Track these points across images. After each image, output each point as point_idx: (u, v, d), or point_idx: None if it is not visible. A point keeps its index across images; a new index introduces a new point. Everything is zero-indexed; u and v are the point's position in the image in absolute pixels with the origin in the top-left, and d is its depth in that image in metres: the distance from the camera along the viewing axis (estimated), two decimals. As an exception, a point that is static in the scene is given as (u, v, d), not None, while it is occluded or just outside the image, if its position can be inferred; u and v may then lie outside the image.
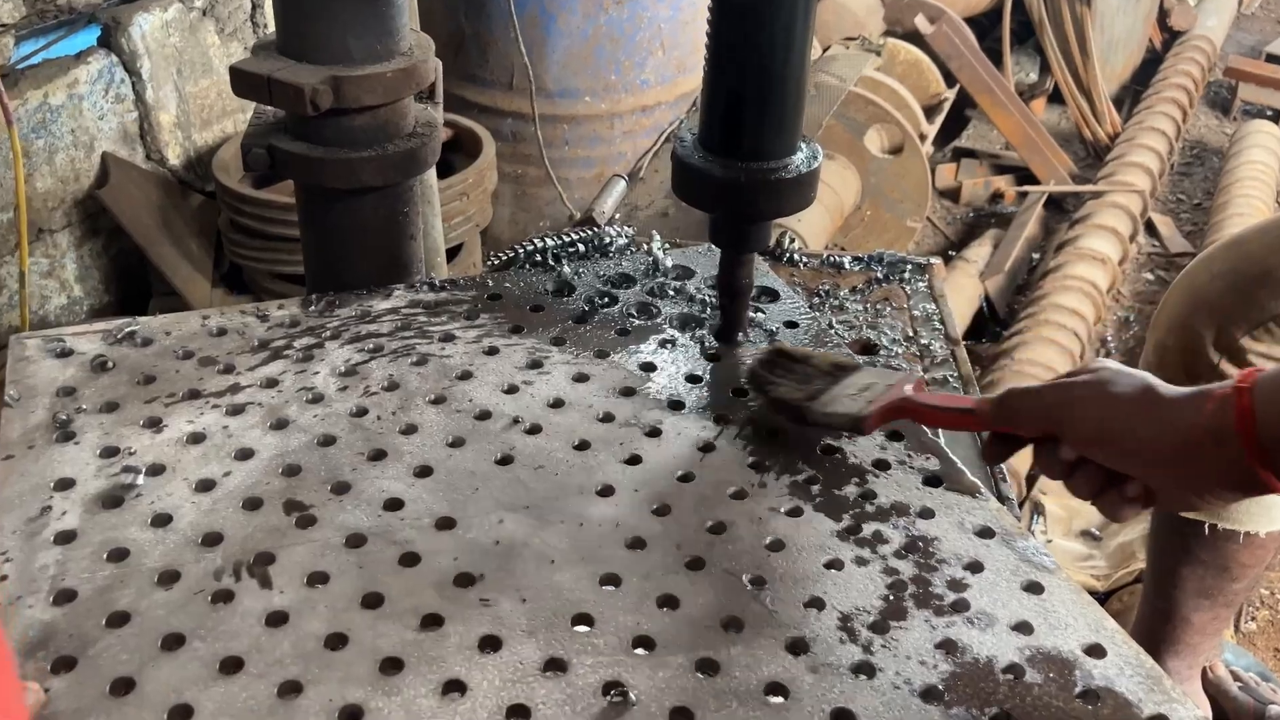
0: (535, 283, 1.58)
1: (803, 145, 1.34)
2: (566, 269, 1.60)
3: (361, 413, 1.31)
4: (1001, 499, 1.29)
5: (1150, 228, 4.54)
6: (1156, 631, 1.89)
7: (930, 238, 4.53)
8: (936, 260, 1.73)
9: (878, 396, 1.20)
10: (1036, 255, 4.36)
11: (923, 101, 4.39)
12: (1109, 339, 3.90)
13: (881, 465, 1.26)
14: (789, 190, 1.31)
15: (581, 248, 1.68)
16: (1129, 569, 2.59)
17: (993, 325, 3.92)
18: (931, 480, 1.24)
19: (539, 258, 1.65)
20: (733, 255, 1.41)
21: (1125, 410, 1.03)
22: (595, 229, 1.71)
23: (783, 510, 1.19)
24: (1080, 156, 5.11)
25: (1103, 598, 2.59)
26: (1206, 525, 1.74)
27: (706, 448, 1.28)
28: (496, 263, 1.65)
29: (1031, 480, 2.96)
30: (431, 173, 3.13)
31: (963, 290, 3.78)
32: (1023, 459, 2.94)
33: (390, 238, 1.54)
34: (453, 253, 3.59)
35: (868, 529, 1.17)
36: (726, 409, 1.34)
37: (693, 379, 1.40)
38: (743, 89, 1.26)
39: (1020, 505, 2.85)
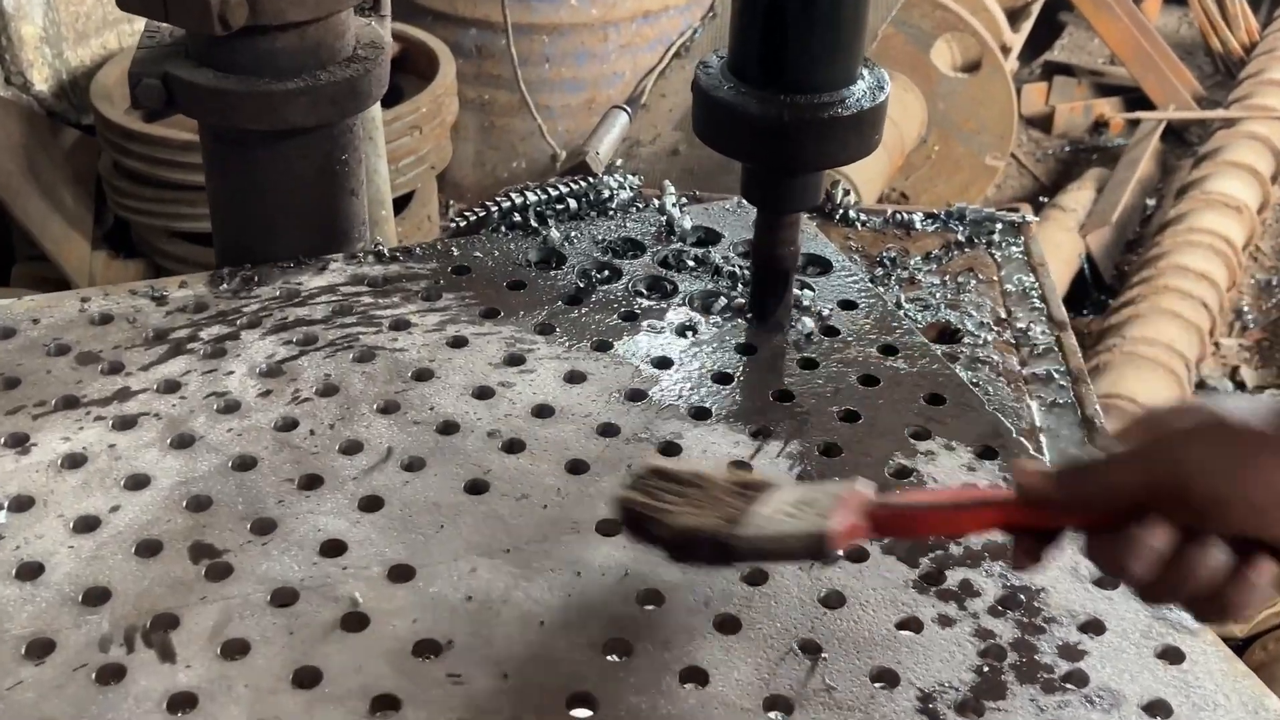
0: (513, 251, 1.55)
1: (864, 72, 1.31)
2: (554, 232, 1.57)
3: (289, 425, 1.28)
4: (1126, 535, 1.26)
5: (1297, 164, 4.51)
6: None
7: (1015, 180, 4.49)
8: (1034, 217, 1.70)
9: (831, 507, 1.02)
10: (1152, 202, 4.32)
11: (1004, 4, 4.34)
12: (1245, 309, 3.88)
13: (969, 492, 1.24)
14: (847, 132, 1.28)
15: (573, 203, 1.65)
16: (1274, 608, 2.58)
17: (1096, 293, 3.89)
18: (1034, 511, 1.22)
19: (517, 217, 1.62)
20: (772, 216, 1.38)
21: (1266, 453, 0.90)
22: (590, 178, 1.67)
23: (841, 553, 1.17)
24: (1207, 73, 5.07)
25: (1240, 646, 2.58)
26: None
27: (740, 469, 1.26)
28: (462, 223, 1.62)
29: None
30: (374, 100, 3.09)
31: (1058, 248, 3.74)
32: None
33: (324, 194, 1.51)
34: (401, 203, 3.56)
35: (953, 577, 1.15)
36: (765, 418, 1.32)
37: (721, 378, 1.37)
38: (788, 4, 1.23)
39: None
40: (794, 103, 1.27)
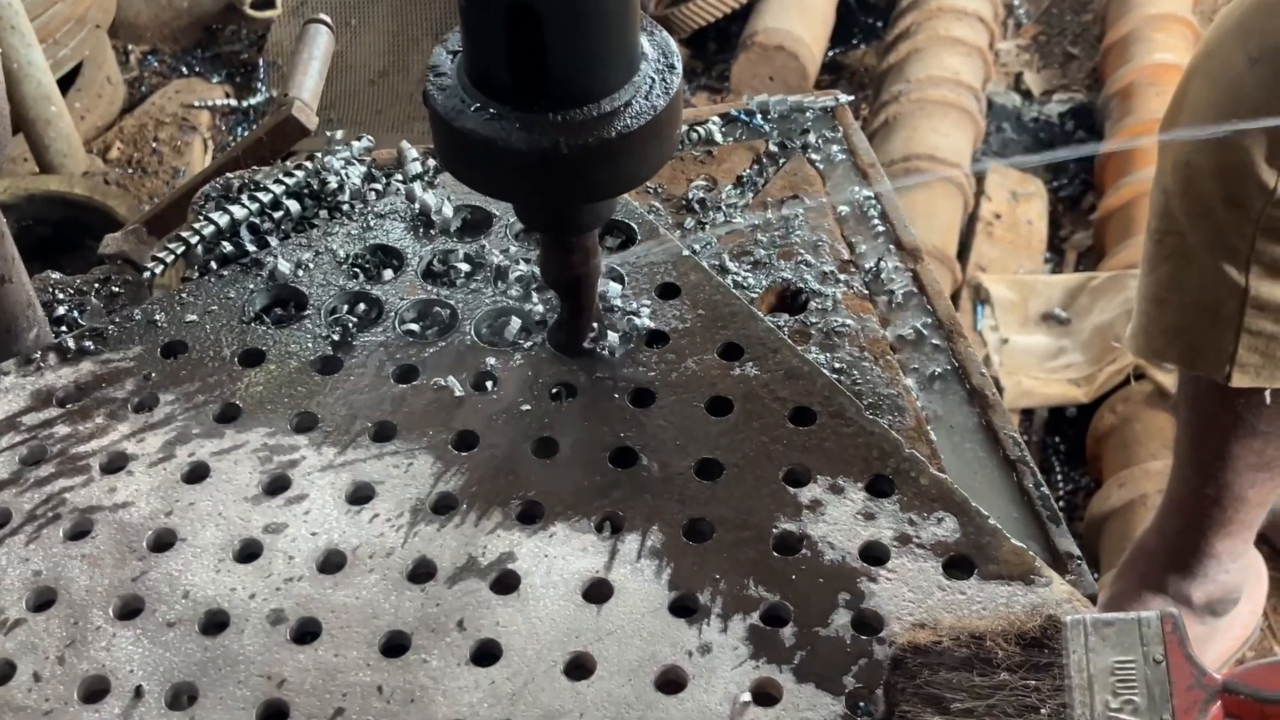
0: (235, 300, 1.23)
1: (644, 45, 1.00)
2: (282, 262, 1.25)
3: (4, 674, 0.98)
4: (1059, 563, 1.07)
5: None
6: (1205, 516, 1.81)
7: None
8: (847, 97, 1.44)
9: (1166, 691, 0.89)
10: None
11: None
12: (1017, 4, 3.69)
13: (874, 555, 1.03)
14: (643, 143, 0.98)
15: (294, 206, 1.31)
16: (1116, 366, 2.50)
17: (863, 16, 3.65)
18: (956, 563, 1.02)
19: (226, 245, 1.29)
20: (559, 241, 1.09)
21: None
22: (309, 161, 1.34)
23: (745, 698, 0.95)
24: None
25: (1088, 409, 2.51)
26: (1269, 393, 1.62)
27: (597, 591, 1.01)
28: (159, 269, 1.28)
29: (963, 258, 2.81)
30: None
31: (812, -22, 3.46)
32: (946, 233, 2.77)
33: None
34: (69, 80, 3.09)
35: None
36: (609, 498, 1.07)
37: (543, 447, 1.11)
38: (537, 2, 0.91)
39: (956, 295, 2.71)
40: (568, 122, 0.96)
